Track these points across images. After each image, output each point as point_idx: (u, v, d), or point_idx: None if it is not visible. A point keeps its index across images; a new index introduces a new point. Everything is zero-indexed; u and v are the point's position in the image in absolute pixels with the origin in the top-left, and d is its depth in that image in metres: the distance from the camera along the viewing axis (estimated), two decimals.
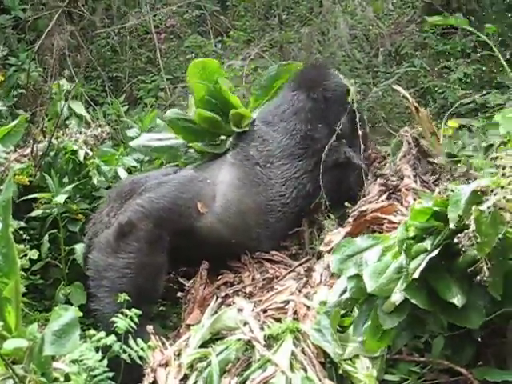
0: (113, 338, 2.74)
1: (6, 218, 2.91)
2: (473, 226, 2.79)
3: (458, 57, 7.55)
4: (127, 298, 3.13)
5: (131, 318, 2.88)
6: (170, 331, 4.30)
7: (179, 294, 4.46)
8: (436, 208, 3.05)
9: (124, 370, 3.06)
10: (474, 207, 2.82)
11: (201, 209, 4.33)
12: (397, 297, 3.00)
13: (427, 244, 2.98)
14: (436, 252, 2.92)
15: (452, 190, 3.03)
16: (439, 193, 3.12)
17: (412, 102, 4.98)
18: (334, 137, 4.76)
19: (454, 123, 5.12)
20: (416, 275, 2.91)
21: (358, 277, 3.19)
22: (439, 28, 7.82)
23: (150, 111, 6.58)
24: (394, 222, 3.92)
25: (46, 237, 4.67)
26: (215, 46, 8.42)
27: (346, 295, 3.32)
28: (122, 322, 2.83)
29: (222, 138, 4.89)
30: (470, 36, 7.76)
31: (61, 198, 4.59)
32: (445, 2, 8.00)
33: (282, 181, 4.65)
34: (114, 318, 2.94)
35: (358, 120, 4.91)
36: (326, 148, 4.68)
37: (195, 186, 4.43)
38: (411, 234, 3.07)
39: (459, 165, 4.50)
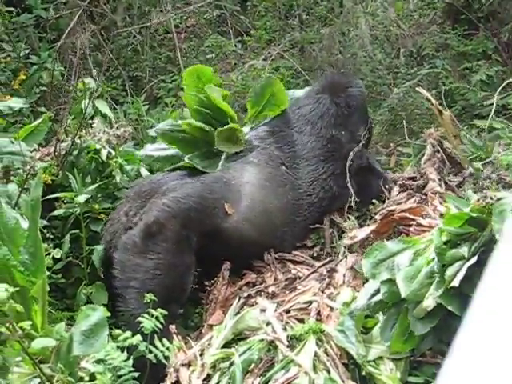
0: (139, 337, 2.74)
1: (35, 217, 2.93)
2: None
3: (479, 58, 7.50)
4: (154, 298, 3.12)
5: (157, 319, 2.87)
6: (192, 331, 4.28)
7: (200, 295, 4.46)
8: (473, 214, 3.04)
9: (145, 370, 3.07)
10: None
11: (228, 210, 4.32)
12: (429, 302, 3.00)
13: (464, 251, 2.97)
14: (474, 260, 2.92)
15: (491, 198, 3.01)
16: (478, 200, 3.10)
17: (435, 104, 4.97)
18: (360, 143, 4.82)
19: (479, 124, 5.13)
20: (456, 283, 2.90)
21: (390, 281, 3.19)
22: (461, 29, 7.77)
23: (171, 111, 6.58)
24: (422, 225, 3.90)
25: (67, 236, 4.66)
26: (235, 45, 8.42)
27: (376, 299, 3.32)
28: (148, 323, 2.83)
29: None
30: (492, 37, 7.73)
31: (83, 198, 4.58)
32: (466, 3, 7.93)
33: (310, 181, 4.69)
34: (140, 318, 2.94)
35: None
36: (351, 153, 4.72)
37: (221, 186, 4.41)
38: (444, 238, 3.06)
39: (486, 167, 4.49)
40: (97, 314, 2.65)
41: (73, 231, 4.70)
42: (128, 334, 2.76)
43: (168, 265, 4.10)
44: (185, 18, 8.54)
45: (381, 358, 3.32)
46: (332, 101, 4.93)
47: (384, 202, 4.71)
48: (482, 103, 6.62)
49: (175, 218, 4.18)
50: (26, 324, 2.40)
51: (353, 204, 4.63)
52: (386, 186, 4.79)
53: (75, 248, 4.73)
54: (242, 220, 4.37)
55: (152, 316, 2.89)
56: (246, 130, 4.96)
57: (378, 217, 4.29)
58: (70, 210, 4.71)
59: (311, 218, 4.70)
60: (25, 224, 3.01)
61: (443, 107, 5.32)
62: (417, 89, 5.62)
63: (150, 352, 2.84)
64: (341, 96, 4.97)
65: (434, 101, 5.05)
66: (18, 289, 2.45)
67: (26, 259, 2.84)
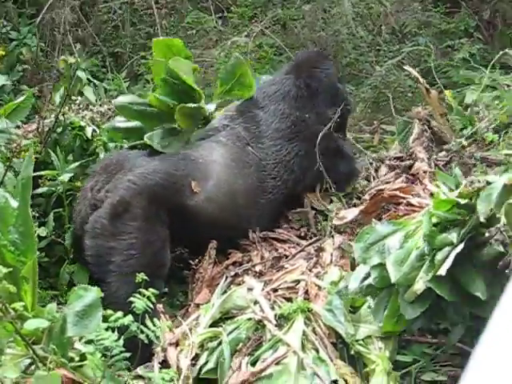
0: (130, 317, 2.72)
1: (26, 195, 2.88)
2: (504, 220, 2.78)
3: (461, 36, 7.51)
4: (146, 278, 3.08)
5: (149, 298, 2.85)
6: (177, 310, 4.27)
7: (185, 273, 4.45)
8: (461, 200, 3.04)
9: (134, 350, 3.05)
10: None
11: (194, 188, 4.26)
12: (419, 286, 3.00)
13: (452, 237, 2.98)
14: (462, 246, 2.92)
15: (479, 181, 3.02)
16: (466, 185, 3.11)
17: (423, 82, 4.95)
18: (329, 125, 4.76)
19: (450, 93, 5.12)
20: (443, 272, 2.91)
21: (381, 266, 3.19)
22: (442, 7, 7.77)
23: (153, 87, 6.52)
24: (412, 204, 3.89)
25: (51, 215, 4.61)
26: (216, 22, 8.36)
27: (367, 282, 3.32)
28: (139, 302, 2.81)
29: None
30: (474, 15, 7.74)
31: (66, 177, 4.53)
32: None
33: (274, 163, 4.63)
34: (131, 299, 2.91)
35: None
36: (320, 134, 4.67)
37: (188, 164, 4.35)
38: (434, 220, 3.06)
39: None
40: (90, 294, 2.62)
41: (56, 209, 4.67)
42: (119, 314, 2.73)
43: (141, 243, 4.03)
44: None
45: (369, 337, 3.33)
46: (293, 82, 4.89)
47: (369, 181, 4.71)
48: (464, 81, 6.61)
49: (141, 194, 4.10)
50: (19, 305, 2.37)
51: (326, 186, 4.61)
52: (357, 171, 4.78)
53: (57, 226, 4.68)
54: (207, 199, 4.31)
55: (143, 296, 2.86)
56: (211, 106, 4.90)
57: (366, 196, 4.29)
58: (53, 188, 4.66)
59: (275, 200, 4.64)
60: (14, 203, 2.97)
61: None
62: (404, 67, 5.61)
63: (142, 332, 2.82)
64: (301, 77, 4.92)
65: (421, 79, 5.04)
66: (10, 269, 2.43)
67: (16, 238, 2.80)
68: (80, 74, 5.27)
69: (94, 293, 2.64)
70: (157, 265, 4.06)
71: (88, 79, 6.43)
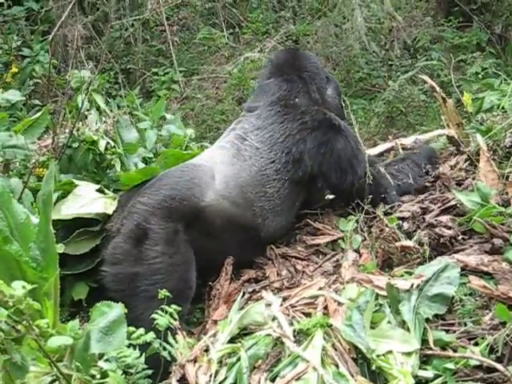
0: (152, 335, 2.70)
1: (47, 212, 2.86)
2: None
3: (473, 50, 7.49)
4: (167, 294, 3.07)
5: (171, 315, 2.84)
6: (194, 327, 4.24)
7: (202, 290, 4.41)
8: None
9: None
10: None
11: None
12: None
13: None
14: None
15: None
16: None
17: (439, 91, 4.91)
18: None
19: (468, 98, 5.09)
20: None
21: None
22: (455, 21, 7.77)
23: (156, 100, 6.54)
24: None
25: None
26: (227, 38, 8.37)
27: None
28: (162, 319, 2.79)
29: None
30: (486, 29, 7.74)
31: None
32: None
33: (269, 147, 4.57)
34: (153, 315, 2.89)
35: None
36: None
37: (192, 170, 4.35)
38: None
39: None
40: (115, 310, 2.60)
41: None
42: (142, 330, 2.72)
43: (168, 266, 3.98)
44: (176, 10, 8.48)
45: (390, 352, 3.28)
46: (284, 80, 4.86)
47: None
48: (483, 87, 6.54)
49: (154, 214, 4.07)
50: (43, 322, 2.35)
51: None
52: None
53: None
54: (219, 196, 4.28)
55: (166, 312, 2.85)
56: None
57: None
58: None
59: (282, 187, 4.55)
60: (34, 219, 2.96)
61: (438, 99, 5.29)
62: (420, 76, 5.56)
63: (164, 349, 2.80)
64: (291, 72, 4.90)
65: (438, 88, 4.99)
66: (35, 286, 2.40)
67: (36, 255, 2.79)
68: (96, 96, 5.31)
69: (117, 309, 2.62)
70: (183, 288, 4.00)
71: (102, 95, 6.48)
